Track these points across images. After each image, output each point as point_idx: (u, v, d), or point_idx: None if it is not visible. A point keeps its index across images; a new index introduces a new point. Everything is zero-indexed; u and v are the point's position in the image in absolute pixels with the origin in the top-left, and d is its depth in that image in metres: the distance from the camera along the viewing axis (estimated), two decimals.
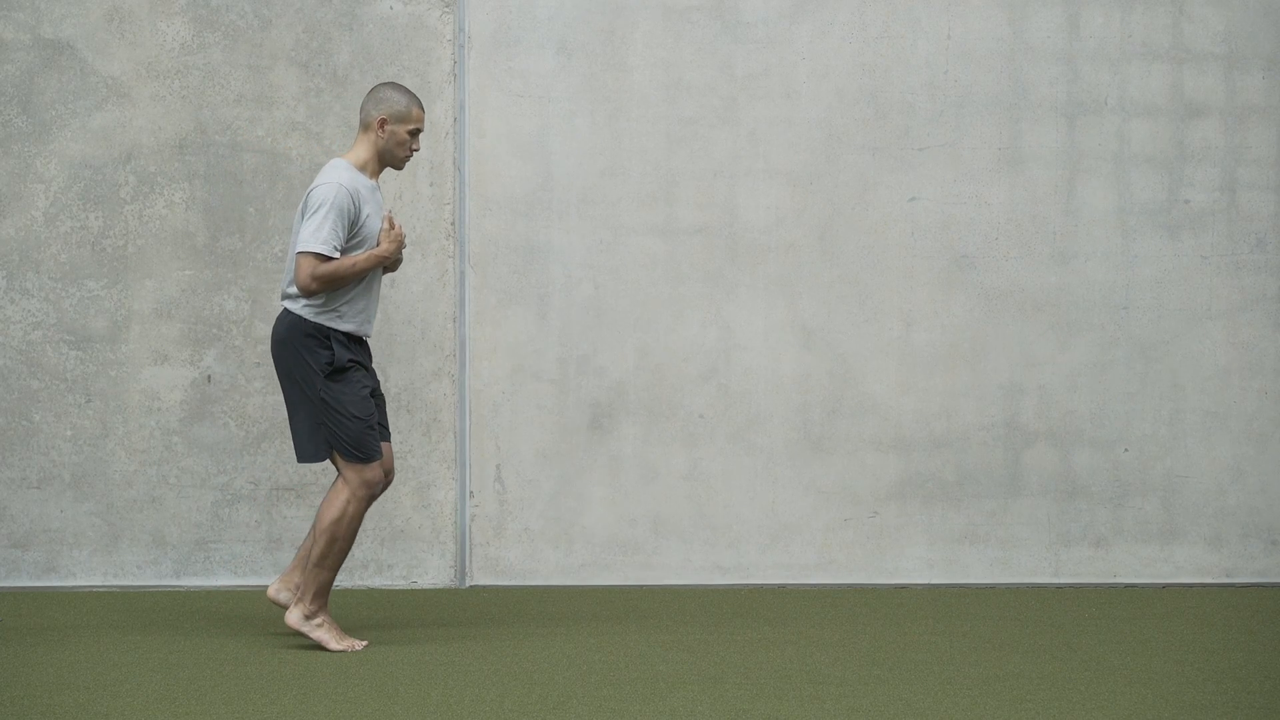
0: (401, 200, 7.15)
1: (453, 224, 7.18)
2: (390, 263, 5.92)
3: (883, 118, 7.26)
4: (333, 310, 5.83)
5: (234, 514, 7.13)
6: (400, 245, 5.90)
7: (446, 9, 7.17)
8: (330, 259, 5.76)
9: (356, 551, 7.14)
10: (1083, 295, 7.30)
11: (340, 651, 5.82)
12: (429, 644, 5.99)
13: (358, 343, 5.92)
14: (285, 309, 5.87)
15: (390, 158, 5.95)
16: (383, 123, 5.90)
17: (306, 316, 5.82)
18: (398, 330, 7.16)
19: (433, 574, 7.19)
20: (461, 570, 7.19)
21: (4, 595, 6.96)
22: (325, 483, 7.13)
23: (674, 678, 5.43)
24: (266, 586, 7.12)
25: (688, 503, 7.24)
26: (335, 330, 5.84)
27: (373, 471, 5.87)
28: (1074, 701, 5.12)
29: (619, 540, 7.23)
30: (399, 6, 7.16)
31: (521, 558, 7.21)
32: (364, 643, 5.91)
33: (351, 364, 5.85)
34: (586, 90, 7.22)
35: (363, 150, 5.93)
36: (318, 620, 5.88)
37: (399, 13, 7.16)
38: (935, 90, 7.26)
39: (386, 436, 6.05)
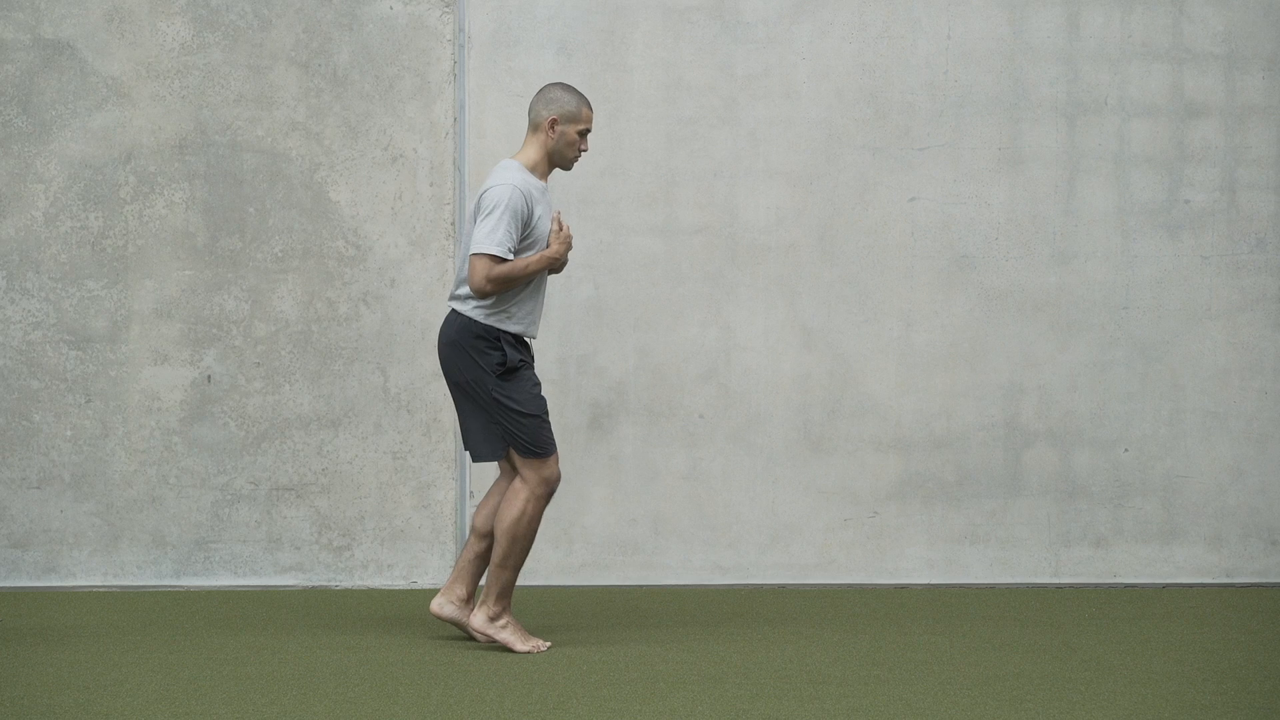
0: (401, 200, 7.15)
1: (453, 224, 7.18)
2: (557, 265, 5.90)
3: (883, 118, 7.26)
4: (503, 311, 5.82)
5: (234, 514, 7.13)
6: (569, 246, 5.88)
7: (446, 9, 7.17)
8: (505, 260, 5.75)
9: (357, 551, 7.14)
10: (1083, 295, 7.30)
11: (526, 652, 5.81)
12: (429, 644, 5.99)
13: (523, 344, 5.90)
14: (454, 310, 5.87)
15: (560, 158, 5.92)
16: (553, 123, 5.87)
17: (477, 318, 5.81)
18: (398, 330, 7.16)
19: (433, 574, 7.19)
20: None
21: (4, 595, 6.96)
22: (325, 483, 7.14)
23: (674, 678, 5.43)
24: (267, 587, 7.13)
25: (688, 503, 7.24)
26: (504, 331, 5.83)
27: (550, 468, 5.87)
28: (1074, 701, 5.12)
29: (619, 540, 7.23)
30: (399, 6, 7.16)
31: None
32: (548, 643, 5.90)
33: (522, 363, 5.86)
34: (586, 90, 7.21)
35: (533, 151, 5.90)
36: (502, 622, 5.88)
37: (399, 13, 7.16)
38: (935, 90, 7.26)
39: None
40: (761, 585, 7.23)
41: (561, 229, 5.87)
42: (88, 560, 7.12)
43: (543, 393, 5.94)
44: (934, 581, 7.27)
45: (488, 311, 5.81)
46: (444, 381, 7.14)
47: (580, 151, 5.93)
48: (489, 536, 5.97)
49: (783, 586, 7.23)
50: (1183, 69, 7.31)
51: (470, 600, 6.03)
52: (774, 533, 7.25)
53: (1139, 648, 5.97)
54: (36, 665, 5.59)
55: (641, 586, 7.20)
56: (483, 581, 6.09)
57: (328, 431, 7.15)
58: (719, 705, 5.04)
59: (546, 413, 5.88)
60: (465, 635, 6.07)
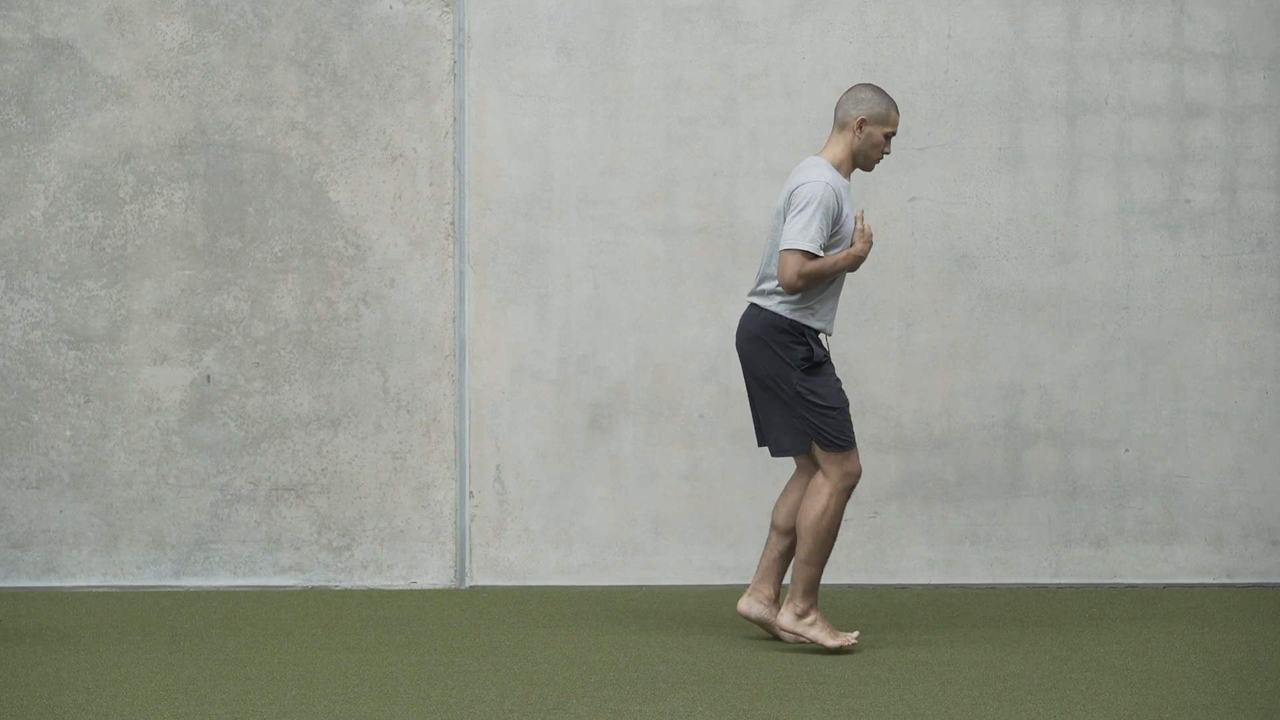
0: (401, 200, 7.15)
1: (452, 224, 7.17)
2: (858, 263, 5.93)
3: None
4: (807, 308, 5.86)
5: (233, 514, 7.13)
6: (871, 244, 5.91)
7: (446, 9, 7.16)
8: (817, 257, 5.79)
9: (357, 552, 7.14)
10: (1083, 295, 7.30)
11: (837, 648, 5.83)
12: (429, 644, 5.99)
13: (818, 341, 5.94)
14: (757, 305, 5.91)
15: (863, 158, 5.95)
16: (862, 123, 5.91)
17: (782, 313, 5.85)
18: (398, 330, 7.16)
19: (433, 574, 7.19)
20: (461, 570, 7.19)
21: (4, 595, 6.95)
22: (325, 483, 7.13)
23: (674, 678, 5.42)
24: (266, 587, 7.12)
25: (688, 503, 7.23)
26: (808, 327, 5.87)
27: (853, 462, 5.90)
28: (1074, 701, 5.12)
29: (619, 540, 7.22)
30: (399, 6, 7.16)
31: (521, 558, 7.21)
32: (855, 633, 5.92)
33: (825, 358, 5.89)
34: (586, 90, 7.21)
35: (839, 149, 5.95)
36: (810, 619, 5.90)
37: (399, 12, 7.16)
38: (935, 90, 7.26)
39: None
40: None
41: (865, 228, 5.89)
42: (87, 560, 7.12)
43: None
44: (934, 582, 7.26)
45: (793, 307, 5.85)
46: (441, 381, 7.14)
47: (884, 154, 5.96)
48: (790, 534, 6.01)
49: (783, 586, 7.22)
50: (1183, 68, 7.30)
51: (777, 600, 6.06)
52: None
53: (1139, 648, 5.97)
54: (36, 665, 5.59)
55: (641, 586, 7.20)
56: (787, 580, 6.13)
57: (327, 431, 7.15)
58: (719, 705, 5.04)
59: (848, 406, 5.91)
60: (770, 635, 6.08)
